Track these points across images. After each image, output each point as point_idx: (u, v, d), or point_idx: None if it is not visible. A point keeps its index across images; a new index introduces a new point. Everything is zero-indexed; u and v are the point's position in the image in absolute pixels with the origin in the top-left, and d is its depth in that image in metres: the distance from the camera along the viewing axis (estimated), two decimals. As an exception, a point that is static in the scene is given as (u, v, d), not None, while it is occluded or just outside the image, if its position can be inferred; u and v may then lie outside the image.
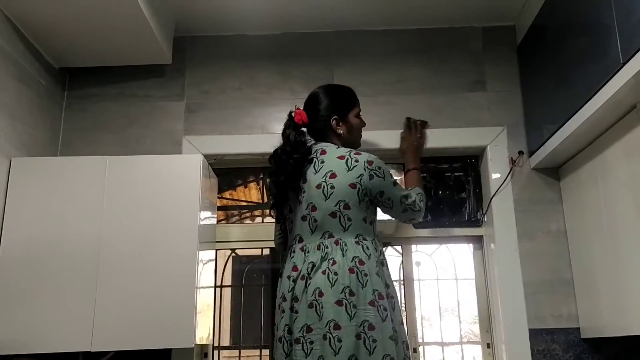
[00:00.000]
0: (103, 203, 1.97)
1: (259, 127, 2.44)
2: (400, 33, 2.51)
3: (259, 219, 2.75)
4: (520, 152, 2.35)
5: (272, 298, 2.63)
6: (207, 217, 2.17)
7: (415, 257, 2.58)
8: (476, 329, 2.50)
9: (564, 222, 2.27)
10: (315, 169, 1.80)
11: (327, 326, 1.60)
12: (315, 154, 1.83)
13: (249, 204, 2.90)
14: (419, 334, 2.50)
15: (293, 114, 1.90)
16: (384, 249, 1.87)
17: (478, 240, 2.46)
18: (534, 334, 2.16)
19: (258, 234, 2.55)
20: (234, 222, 2.68)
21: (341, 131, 1.88)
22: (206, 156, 2.28)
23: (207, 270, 2.19)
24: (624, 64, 1.55)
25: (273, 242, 2.05)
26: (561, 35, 2.01)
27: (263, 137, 2.41)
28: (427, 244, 2.61)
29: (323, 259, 1.69)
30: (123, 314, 1.88)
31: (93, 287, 1.89)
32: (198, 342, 1.95)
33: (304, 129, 1.90)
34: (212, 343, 2.34)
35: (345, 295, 1.62)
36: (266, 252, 2.73)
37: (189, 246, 1.95)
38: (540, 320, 2.18)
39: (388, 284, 1.74)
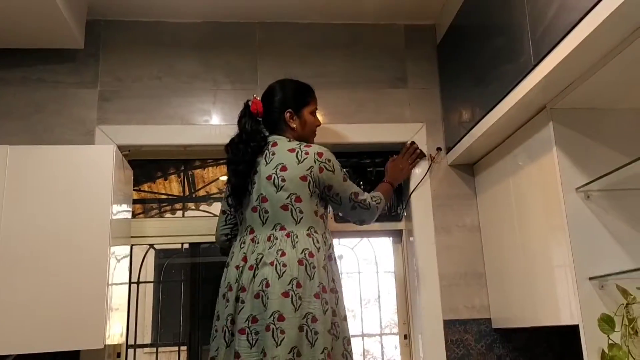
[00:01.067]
0: (3, 196, 1.82)
1: (178, 118, 2.36)
2: (325, 27, 2.50)
3: (179, 213, 2.67)
4: (439, 149, 2.41)
5: (191, 294, 2.58)
6: (121, 211, 2.07)
7: (338, 251, 2.59)
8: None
9: (478, 217, 2.35)
10: (266, 161, 1.81)
11: (272, 317, 1.60)
12: (266, 146, 1.84)
13: (169, 197, 2.81)
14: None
15: (249, 103, 1.91)
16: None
17: (398, 234, 2.50)
18: (448, 324, 2.23)
19: (177, 229, 2.47)
20: (152, 216, 2.58)
21: (294, 125, 1.90)
22: (121, 147, 2.17)
23: (121, 267, 2.09)
24: (535, 65, 1.61)
25: (214, 236, 2.02)
26: (478, 35, 2.07)
27: (183, 128, 2.34)
28: (348, 237, 2.63)
29: (272, 250, 1.69)
30: (25, 315, 1.75)
31: (-10, 285, 1.75)
32: (109, 342, 1.86)
33: (260, 119, 1.91)
34: (125, 342, 2.24)
35: (292, 287, 1.63)
36: (186, 246, 2.65)
37: (100, 242, 1.85)
38: (454, 311, 2.25)
39: (334, 279, 1.75)
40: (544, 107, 1.77)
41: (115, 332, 1.95)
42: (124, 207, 2.14)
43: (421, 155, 2.38)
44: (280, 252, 1.68)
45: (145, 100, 2.34)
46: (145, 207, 2.70)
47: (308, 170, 1.76)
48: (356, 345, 2.67)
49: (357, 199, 1.88)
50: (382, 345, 2.92)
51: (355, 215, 1.91)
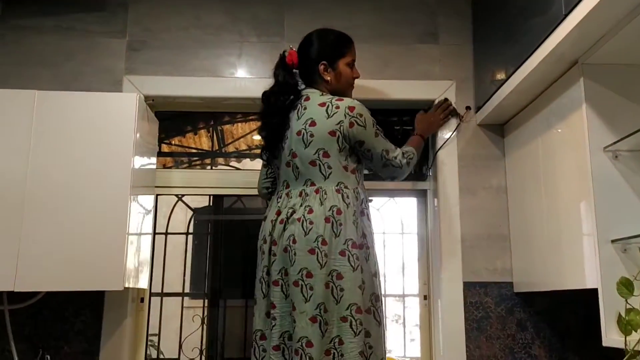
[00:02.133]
0: (31, 139, 1.88)
1: (205, 70, 2.35)
2: (354, -22, 2.42)
3: (208, 168, 2.70)
4: (468, 108, 2.33)
5: (214, 249, 2.63)
6: (144, 161, 2.11)
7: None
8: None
9: (505, 178, 2.28)
10: (298, 116, 1.78)
11: (300, 273, 1.62)
12: (299, 100, 1.80)
13: (199, 151, 2.85)
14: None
15: (285, 54, 1.86)
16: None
17: (423, 194, 2.46)
18: (468, 286, 2.20)
19: (204, 181, 2.50)
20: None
21: (328, 77, 1.85)
22: (147, 97, 2.20)
23: (145, 216, 2.14)
24: (566, 15, 1.52)
25: (256, 188, 2.04)
26: (512, -13, 1.97)
27: (210, 81, 2.34)
28: (373, 196, 2.60)
29: (302, 205, 1.69)
30: (52, 255, 1.82)
31: (18, 224, 1.81)
32: (130, 286, 1.92)
33: (295, 71, 1.87)
34: (149, 289, 2.31)
35: (317, 244, 1.63)
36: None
37: (121, 189, 1.88)
38: (475, 273, 2.21)
39: (365, 234, 1.73)
40: (576, 62, 1.68)
41: (137, 278, 2.01)
42: (148, 157, 2.18)
43: (454, 113, 2.31)
44: (308, 209, 1.68)
45: (173, 51, 2.35)
46: (175, 160, 2.75)
47: (338, 125, 1.72)
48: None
49: (389, 157, 1.81)
50: (404, 306, 2.92)
51: (386, 172, 1.86)
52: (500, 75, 2.05)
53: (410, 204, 2.62)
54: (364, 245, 1.71)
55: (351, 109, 1.75)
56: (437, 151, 2.32)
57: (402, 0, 2.42)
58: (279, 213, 1.74)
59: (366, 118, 1.77)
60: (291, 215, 1.69)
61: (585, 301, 2.14)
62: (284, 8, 2.39)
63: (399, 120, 2.48)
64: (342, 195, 1.71)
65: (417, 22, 2.39)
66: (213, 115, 2.65)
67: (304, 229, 1.65)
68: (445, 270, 2.22)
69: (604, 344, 1.49)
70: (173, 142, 2.77)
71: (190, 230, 2.70)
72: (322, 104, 1.76)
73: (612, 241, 1.53)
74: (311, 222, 1.66)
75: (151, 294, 2.34)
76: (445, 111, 2.28)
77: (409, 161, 1.88)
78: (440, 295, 2.23)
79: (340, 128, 1.72)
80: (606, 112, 1.61)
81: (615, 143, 1.57)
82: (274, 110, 1.81)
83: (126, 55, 2.33)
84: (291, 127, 1.78)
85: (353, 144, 1.76)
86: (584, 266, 1.66)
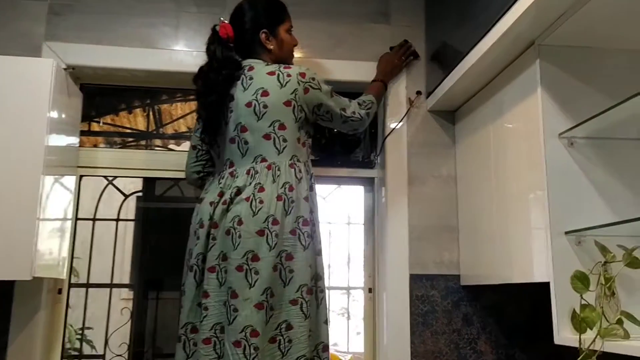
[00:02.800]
0: None
1: (137, 40, 2.15)
2: (303, -50, 2.26)
3: (144, 150, 2.48)
4: (418, 92, 2.23)
5: (142, 236, 2.42)
6: (63, 138, 1.89)
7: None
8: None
9: (455, 167, 2.19)
10: (243, 86, 1.66)
11: (245, 257, 1.50)
12: (242, 70, 1.70)
13: (134, 131, 2.63)
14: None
15: (217, 28, 1.72)
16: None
17: (370, 183, 2.34)
18: (415, 279, 2.10)
19: (135, 162, 2.29)
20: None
21: (271, 46, 1.74)
22: (68, 66, 1.98)
23: (63, 198, 1.92)
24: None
25: (184, 171, 1.88)
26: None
27: (142, 52, 2.14)
28: (319, 183, 2.46)
29: (250, 184, 1.58)
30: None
31: None
32: (41, 275, 1.71)
33: (231, 44, 1.73)
34: (68, 279, 2.09)
35: (267, 225, 1.53)
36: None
37: (32, 168, 1.66)
38: (422, 266, 2.11)
39: (312, 210, 1.66)
40: (532, 43, 1.58)
41: (50, 266, 1.80)
42: (69, 133, 1.96)
43: (415, 55, 2.22)
44: (258, 187, 1.57)
45: (101, 17, 2.12)
46: (107, 141, 2.52)
47: (292, 94, 1.64)
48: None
49: (347, 113, 1.77)
50: (348, 299, 2.81)
51: (347, 127, 1.82)
52: (452, 59, 1.94)
53: (357, 192, 2.50)
54: (311, 222, 1.62)
55: (302, 75, 1.68)
56: (385, 137, 2.20)
57: (354, -25, 2.28)
58: (221, 194, 1.60)
59: (319, 80, 1.72)
60: (236, 195, 1.57)
61: (534, 296, 2.08)
62: (226, -23, 2.21)
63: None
64: (295, 170, 1.62)
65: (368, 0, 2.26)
66: (150, 93, 2.44)
67: (252, 209, 1.53)
68: (391, 263, 2.11)
69: (556, 341, 1.40)
70: (105, 121, 2.55)
71: (123, 216, 2.49)
72: (272, 73, 1.66)
73: (566, 233, 1.45)
74: (261, 201, 1.54)
75: (71, 285, 2.12)
76: (406, 52, 2.19)
77: (368, 111, 1.84)
78: (386, 288, 2.12)
79: (295, 97, 1.64)
80: (562, 96, 1.53)
81: (571, 129, 1.48)
82: (214, 87, 1.67)
83: (47, 19, 2.08)
84: (236, 100, 1.66)
85: (311, 109, 1.70)
86: (531, 259, 1.58)
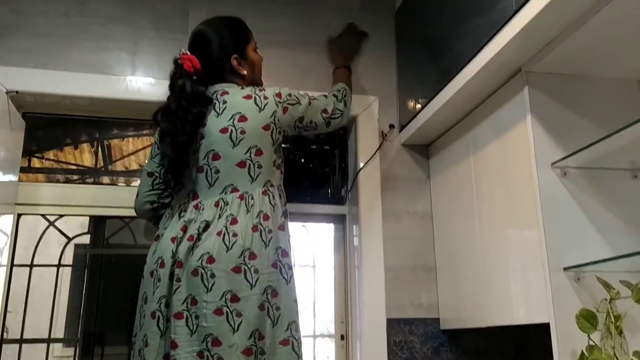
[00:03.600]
0: None
1: (91, 65, 1.97)
2: (269, -23, 2.18)
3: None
4: (391, 126, 2.14)
5: (89, 286, 2.18)
6: None
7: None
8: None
9: (430, 203, 2.09)
10: (216, 111, 1.52)
11: (223, 298, 1.34)
12: (215, 95, 1.56)
13: (79, 168, 2.41)
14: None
15: (180, 61, 1.53)
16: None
17: (340, 220, 2.20)
18: (392, 324, 1.95)
19: (80, 199, 2.06)
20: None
21: (245, 71, 1.62)
22: (10, 91, 1.77)
23: (1, 243, 1.69)
24: (516, 12, 1.35)
25: (134, 203, 1.67)
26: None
27: (95, 78, 1.97)
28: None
29: (220, 217, 1.43)
30: None
31: None
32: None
33: (195, 78, 1.54)
34: (0, 334, 1.82)
35: (244, 260, 1.38)
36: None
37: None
38: (399, 309, 1.97)
39: (289, 240, 1.54)
40: (519, 70, 1.52)
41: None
42: (7, 167, 1.74)
43: (364, 34, 2.18)
44: (230, 219, 1.42)
45: (49, 40, 1.94)
46: (50, 178, 2.30)
47: (271, 117, 1.53)
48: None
49: (328, 114, 1.69)
50: (314, 349, 2.62)
51: (332, 128, 1.75)
52: (426, 93, 1.88)
53: (323, 231, 2.36)
54: (290, 253, 1.50)
55: (279, 95, 1.58)
56: (358, 172, 2.08)
57: (323, 6, 2.20)
58: (184, 229, 1.43)
59: (295, 95, 1.62)
60: (204, 230, 1.41)
61: (517, 339, 1.97)
62: (189, 2, 2.08)
63: (316, 137, 2.23)
64: (269, 197, 1.50)
65: (338, 30, 2.17)
66: (99, 126, 2.25)
67: (225, 244, 1.38)
68: (366, 306, 1.95)
69: (563, 387, 1.28)
70: (47, 157, 2.33)
71: (64, 262, 2.23)
72: (248, 97, 1.55)
73: (565, 269, 1.35)
74: (235, 234, 1.40)
75: (2, 341, 1.84)
76: (355, 35, 2.15)
77: (345, 101, 1.77)
78: (361, 334, 1.95)
79: (274, 119, 1.54)
80: (553, 125, 1.46)
81: (564, 158, 1.41)
82: (183, 127, 1.49)
83: (-13, 40, 1.88)
84: (208, 126, 1.51)
85: (293, 126, 1.61)
86: (531, 298, 1.47)
